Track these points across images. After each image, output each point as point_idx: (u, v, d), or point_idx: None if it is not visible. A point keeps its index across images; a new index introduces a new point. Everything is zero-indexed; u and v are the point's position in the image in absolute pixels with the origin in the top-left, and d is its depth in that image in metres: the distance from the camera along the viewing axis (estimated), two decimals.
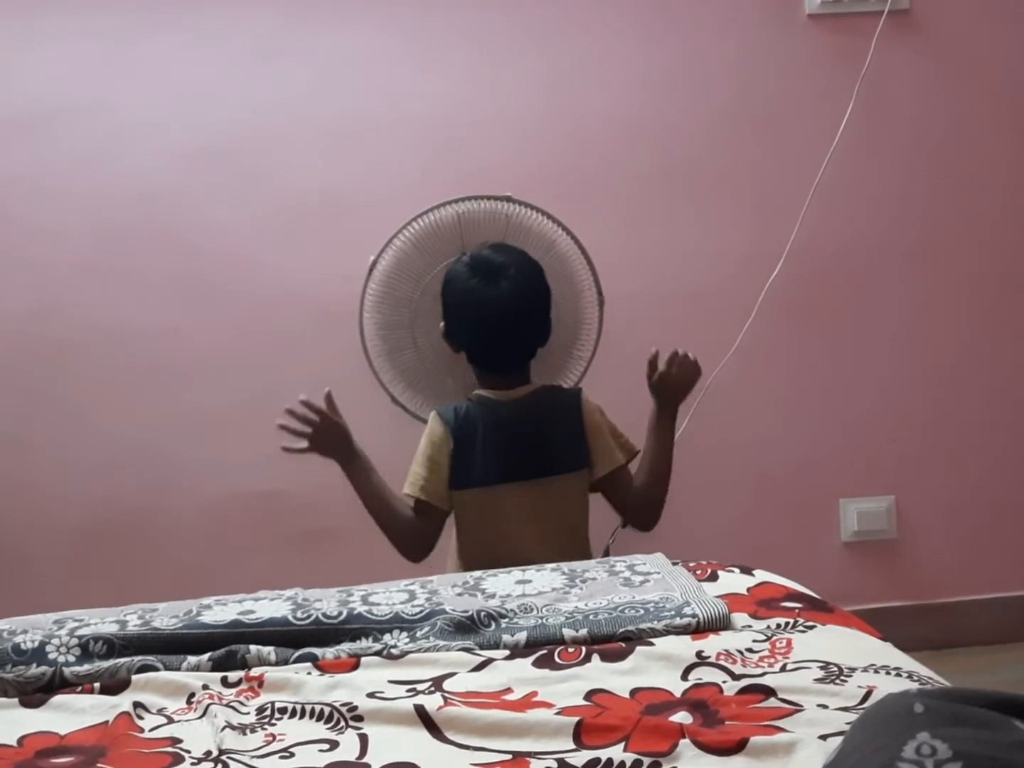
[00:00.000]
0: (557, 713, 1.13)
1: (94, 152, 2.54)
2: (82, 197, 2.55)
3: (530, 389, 2.18)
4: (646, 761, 1.01)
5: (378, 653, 1.35)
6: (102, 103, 2.54)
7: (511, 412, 2.14)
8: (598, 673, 1.25)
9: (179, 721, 1.20)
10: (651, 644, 1.31)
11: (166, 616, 1.47)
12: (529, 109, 2.61)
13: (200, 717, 1.20)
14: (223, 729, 1.14)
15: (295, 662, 1.34)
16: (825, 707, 1.08)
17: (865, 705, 1.06)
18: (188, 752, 1.11)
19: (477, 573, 1.65)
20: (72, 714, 1.23)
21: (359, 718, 1.16)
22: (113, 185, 2.54)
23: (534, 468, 2.11)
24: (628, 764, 1.01)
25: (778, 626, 1.35)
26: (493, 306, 2.11)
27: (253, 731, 1.15)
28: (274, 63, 2.57)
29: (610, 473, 2.16)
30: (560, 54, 2.62)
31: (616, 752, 1.03)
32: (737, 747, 1.01)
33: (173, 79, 2.56)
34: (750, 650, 1.27)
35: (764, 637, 1.31)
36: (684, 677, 1.22)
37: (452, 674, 1.27)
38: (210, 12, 2.56)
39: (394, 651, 1.35)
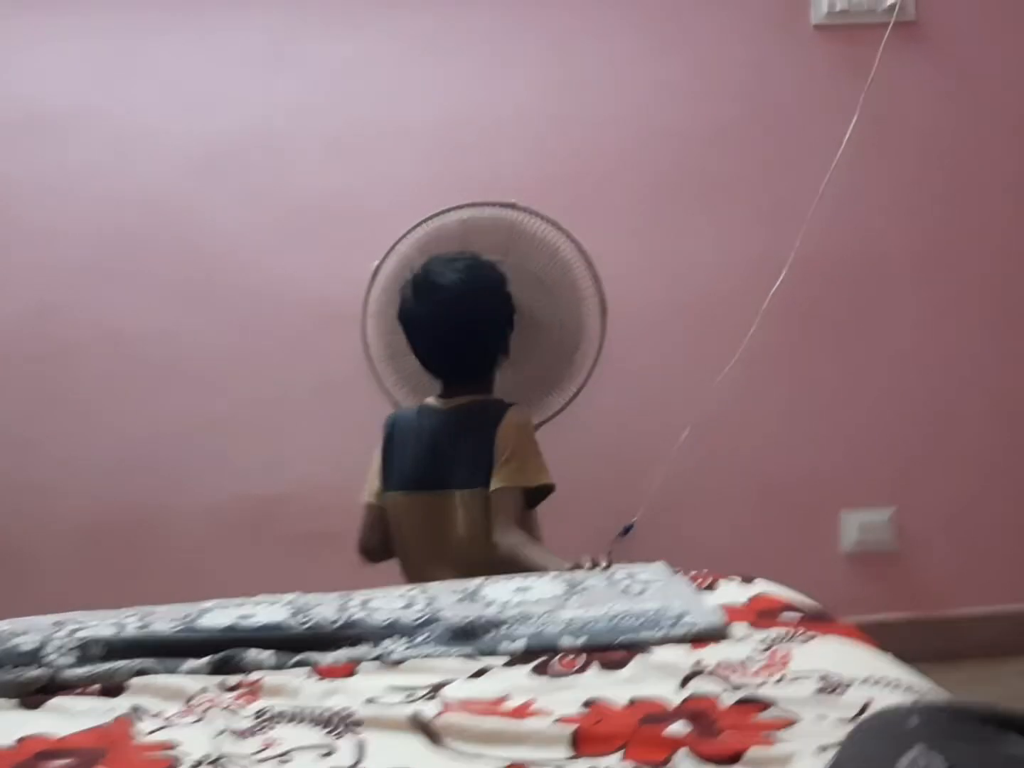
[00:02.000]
0: (555, 721, 1.13)
1: (100, 156, 2.55)
2: (88, 200, 2.55)
3: (462, 401, 2.16)
4: None
5: (376, 659, 1.35)
6: (109, 108, 2.55)
7: (434, 423, 2.15)
8: (596, 682, 1.24)
9: (177, 725, 1.20)
10: (649, 653, 1.31)
11: (165, 619, 1.47)
12: (534, 116, 2.62)
13: (198, 721, 1.20)
14: (221, 733, 1.14)
15: (293, 667, 1.34)
16: (823, 718, 1.08)
17: (863, 718, 1.05)
18: (186, 755, 1.11)
19: (477, 580, 1.64)
20: (71, 716, 1.23)
21: (357, 724, 1.16)
22: (119, 189, 2.55)
23: (429, 480, 2.11)
24: None
25: (777, 637, 1.35)
26: (423, 325, 2.13)
27: (251, 735, 1.15)
28: (281, 69, 2.58)
29: (494, 492, 2.06)
30: (566, 62, 2.62)
31: (613, 761, 1.03)
32: (734, 758, 1.01)
33: (180, 84, 2.56)
34: (749, 661, 1.27)
35: (763, 648, 1.31)
36: (682, 687, 1.21)
37: (450, 681, 1.27)
38: (218, 18, 2.57)
39: (392, 657, 1.35)
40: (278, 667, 1.34)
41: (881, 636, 1.45)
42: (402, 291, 2.18)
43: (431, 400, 2.19)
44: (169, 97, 2.56)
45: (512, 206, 2.36)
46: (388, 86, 2.59)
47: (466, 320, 2.10)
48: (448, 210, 2.35)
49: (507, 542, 2.01)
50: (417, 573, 2.06)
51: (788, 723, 1.08)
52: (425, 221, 2.34)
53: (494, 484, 2.06)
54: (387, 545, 2.18)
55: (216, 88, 2.57)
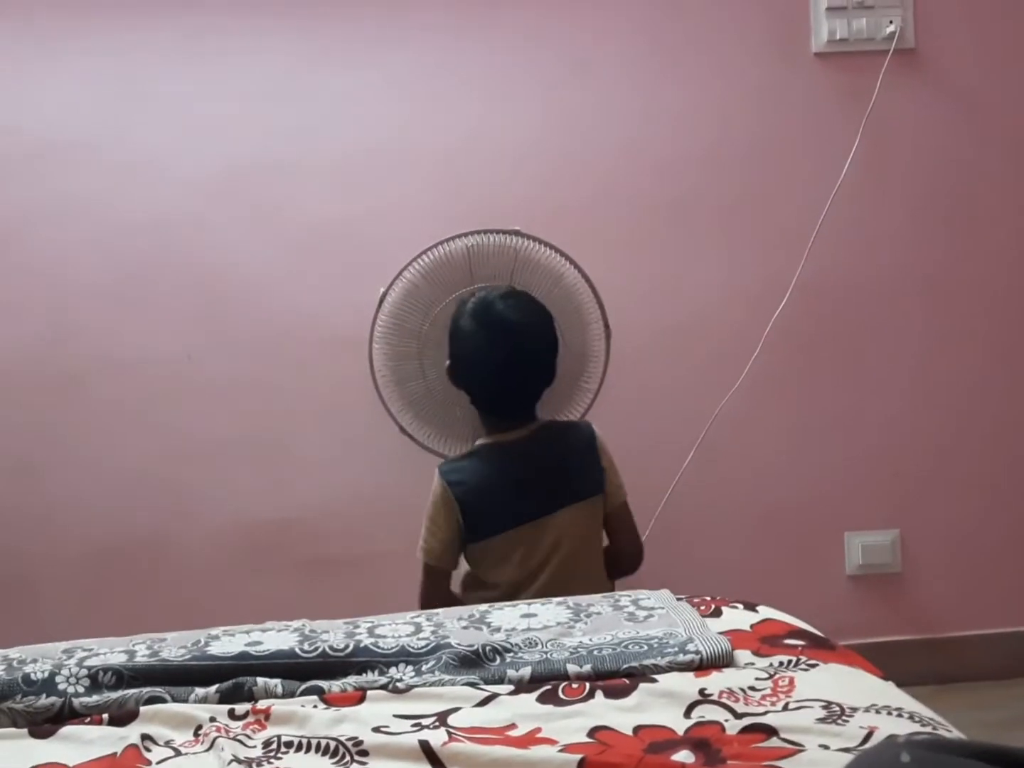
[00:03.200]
0: (560, 750, 1.14)
1: (110, 183, 2.57)
2: (97, 227, 2.57)
3: (537, 425, 2.18)
4: None
5: (384, 687, 1.35)
6: (118, 134, 2.57)
7: (521, 451, 2.14)
8: (601, 710, 1.25)
9: (186, 754, 1.21)
10: (654, 681, 1.32)
11: (174, 647, 1.48)
12: (539, 144, 2.64)
13: (207, 750, 1.21)
14: (230, 763, 1.15)
15: (302, 695, 1.35)
16: (826, 748, 1.09)
17: (866, 746, 1.06)
18: None
19: (483, 607, 1.65)
20: (81, 745, 1.24)
21: (364, 753, 1.17)
22: (128, 216, 2.57)
23: (553, 503, 2.11)
24: None
25: (781, 664, 1.36)
26: (498, 365, 2.12)
27: (259, 765, 1.16)
28: (288, 97, 2.60)
29: (616, 508, 2.18)
30: (568, 90, 2.65)
31: None
32: None
33: (188, 112, 2.59)
34: (753, 688, 1.28)
35: (767, 675, 1.32)
36: (687, 715, 1.22)
37: (457, 709, 1.27)
38: (227, 46, 2.59)
39: (400, 685, 1.35)
40: (287, 695, 1.35)
41: (884, 658, 1.47)
42: (463, 332, 2.17)
43: (490, 440, 2.17)
44: (177, 125, 2.58)
45: (516, 233, 2.38)
46: (395, 114, 2.62)
47: (541, 356, 2.15)
48: (454, 237, 2.37)
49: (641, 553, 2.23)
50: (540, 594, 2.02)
51: (792, 752, 1.08)
52: (431, 248, 2.36)
53: (618, 497, 2.17)
54: (450, 602, 2.15)
55: (224, 116, 2.59)
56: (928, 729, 1.13)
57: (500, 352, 2.11)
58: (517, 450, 2.15)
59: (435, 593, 2.14)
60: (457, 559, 2.17)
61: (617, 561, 2.23)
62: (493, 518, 2.11)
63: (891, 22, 2.64)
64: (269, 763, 1.17)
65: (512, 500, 2.11)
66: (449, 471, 2.16)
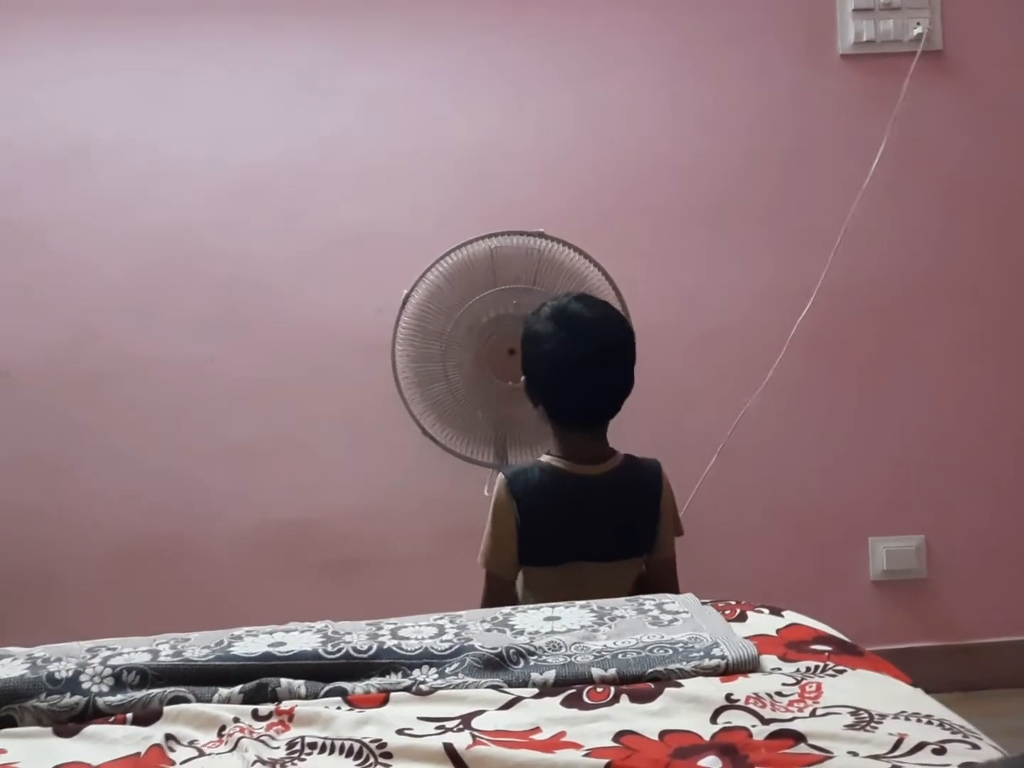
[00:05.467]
0: (586, 754, 1.13)
1: (132, 187, 2.58)
2: (120, 231, 2.59)
3: (610, 467, 2.05)
4: None
5: (407, 689, 1.35)
6: (141, 139, 2.58)
7: (590, 490, 2.02)
8: (627, 714, 1.24)
9: (210, 754, 1.20)
10: (680, 685, 1.31)
11: (198, 646, 1.48)
12: (561, 145, 2.64)
13: (231, 750, 1.20)
14: (253, 764, 1.15)
15: (325, 696, 1.34)
16: (855, 754, 1.08)
17: (896, 754, 1.05)
18: None
19: (506, 609, 1.65)
20: (105, 744, 1.24)
21: (388, 755, 1.16)
22: (151, 219, 2.58)
23: (613, 550, 2.02)
24: None
25: (808, 669, 1.34)
26: (583, 364, 1.98)
27: (283, 766, 1.16)
28: (309, 101, 2.61)
29: (660, 562, 2.08)
30: (593, 91, 2.64)
31: None
32: None
33: (210, 116, 2.60)
34: (779, 694, 1.27)
35: (793, 681, 1.31)
36: (713, 720, 1.21)
37: (481, 712, 1.27)
38: (248, 51, 2.60)
39: (423, 687, 1.35)
40: (310, 696, 1.34)
41: (909, 664, 1.45)
42: (541, 336, 2.02)
43: (560, 464, 2.03)
44: (199, 129, 2.59)
45: (540, 235, 2.38)
46: (415, 116, 2.62)
47: (623, 351, 2.03)
48: (477, 239, 2.37)
49: None
50: None
51: (821, 759, 1.07)
52: (455, 250, 2.36)
53: (665, 552, 2.06)
54: None
55: (245, 120, 2.60)
56: (958, 737, 1.12)
57: (584, 348, 1.98)
58: (587, 486, 2.02)
59: (497, 604, 1.99)
60: (517, 570, 2.06)
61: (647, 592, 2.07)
62: (551, 545, 2.01)
63: (918, 24, 2.62)
64: (293, 764, 1.16)
65: (574, 535, 2.00)
66: (515, 479, 2.03)
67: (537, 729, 1.22)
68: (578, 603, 1.65)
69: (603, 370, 2.00)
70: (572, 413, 2.04)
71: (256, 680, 1.36)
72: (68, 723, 1.31)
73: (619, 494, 2.03)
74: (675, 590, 2.04)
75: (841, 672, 1.33)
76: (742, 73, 2.66)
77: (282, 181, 2.60)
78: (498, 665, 1.39)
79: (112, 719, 1.31)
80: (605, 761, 1.09)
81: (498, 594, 2.03)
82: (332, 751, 1.19)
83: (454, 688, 1.34)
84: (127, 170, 2.58)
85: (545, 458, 2.06)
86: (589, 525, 2.01)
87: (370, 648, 1.43)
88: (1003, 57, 2.68)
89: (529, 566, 2.04)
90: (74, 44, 2.57)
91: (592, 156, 2.64)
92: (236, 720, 1.27)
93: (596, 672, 1.35)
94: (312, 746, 1.20)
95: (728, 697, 1.26)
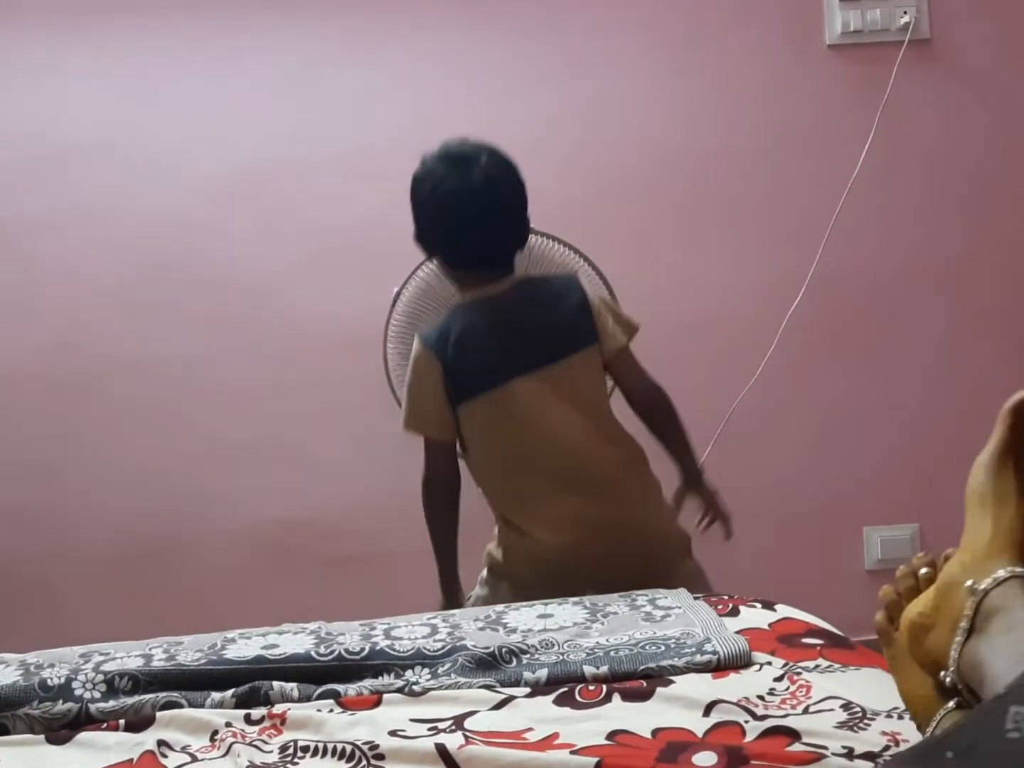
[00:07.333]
0: (578, 753, 1.13)
1: (121, 187, 2.58)
2: (109, 231, 2.58)
3: (519, 279, 2.03)
4: None
5: (400, 690, 1.35)
6: (129, 139, 2.58)
7: (504, 304, 1.99)
8: (619, 712, 1.24)
9: (203, 759, 1.20)
10: (672, 682, 1.31)
11: (191, 650, 1.48)
12: (553, 140, 2.63)
13: (223, 755, 1.20)
14: None
15: (318, 698, 1.34)
16: (849, 752, 1.08)
17: (889, 755, 1.05)
18: None
19: (499, 607, 1.64)
20: (98, 751, 1.23)
21: (380, 756, 1.16)
22: (140, 219, 2.58)
23: (544, 354, 1.96)
24: None
25: (799, 664, 1.34)
26: (467, 195, 1.95)
27: None
28: (299, 97, 2.61)
29: (615, 354, 2.02)
30: (584, 85, 2.64)
31: None
32: None
33: (198, 115, 2.59)
34: (772, 691, 1.27)
35: (785, 676, 1.31)
36: (705, 716, 1.21)
37: (473, 712, 1.27)
38: (236, 47, 2.60)
39: (416, 688, 1.35)
40: (303, 699, 1.34)
41: None
42: (423, 177, 2.01)
43: (468, 296, 2.00)
44: (188, 127, 2.59)
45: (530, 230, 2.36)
46: (407, 112, 2.62)
47: (512, 194, 1.98)
48: None
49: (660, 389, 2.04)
50: (550, 449, 1.92)
51: (816, 758, 1.07)
52: None
53: (615, 342, 2.00)
54: (456, 484, 2.04)
55: (235, 117, 2.60)
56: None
57: (462, 177, 1.95)
58: (500, 303, 1.98)
59: (439, 469, 2.01)
60: (454, 428, 1.99)
61: (635, 405, 2.08)
62: (482, 371, 1.95)
63: (905, 12, 2.62)
64: None
65: (501, 353, 1.96)
66: (427, 333, 2.00)
67: (529, 729, 1.21)
68: (571, 600, 1.66)
69: (490, 199, 1.96)
70: (468, 252, 1.99)
71: (249, 684, 1.36)
72: (60, 730, 1.31)
73: (535, 299, 1.99)
74: (642, 378, 2.05)
75: (832, 667, 1.33)
76: (729, 64, 2.65)
77: (270, 180, 2.60)
78: (490, 664, 1.39)
79: (105, 725, 1.31)
80: (596, 760, 1.09)
81: (437, 460, 2.00)
82: (324, 754, 1.19)
83: (446, 688, 1.34)
84: (113, 171, 2.58)
85: (456, 305, 2.04)
86: (517, 336, 1.96)
87: (363, 649, 1.43)
88: (991, 45, 2.68)
89: (469, 400, 1.96)
90: (60, 45, 2.56)
91: (580, 151, 2.63)
92: (228, 725, 1.27)
93: (588, 670, 1.35)
94: (305, 749, 1.20)
95: (720, 693, 1.26)
